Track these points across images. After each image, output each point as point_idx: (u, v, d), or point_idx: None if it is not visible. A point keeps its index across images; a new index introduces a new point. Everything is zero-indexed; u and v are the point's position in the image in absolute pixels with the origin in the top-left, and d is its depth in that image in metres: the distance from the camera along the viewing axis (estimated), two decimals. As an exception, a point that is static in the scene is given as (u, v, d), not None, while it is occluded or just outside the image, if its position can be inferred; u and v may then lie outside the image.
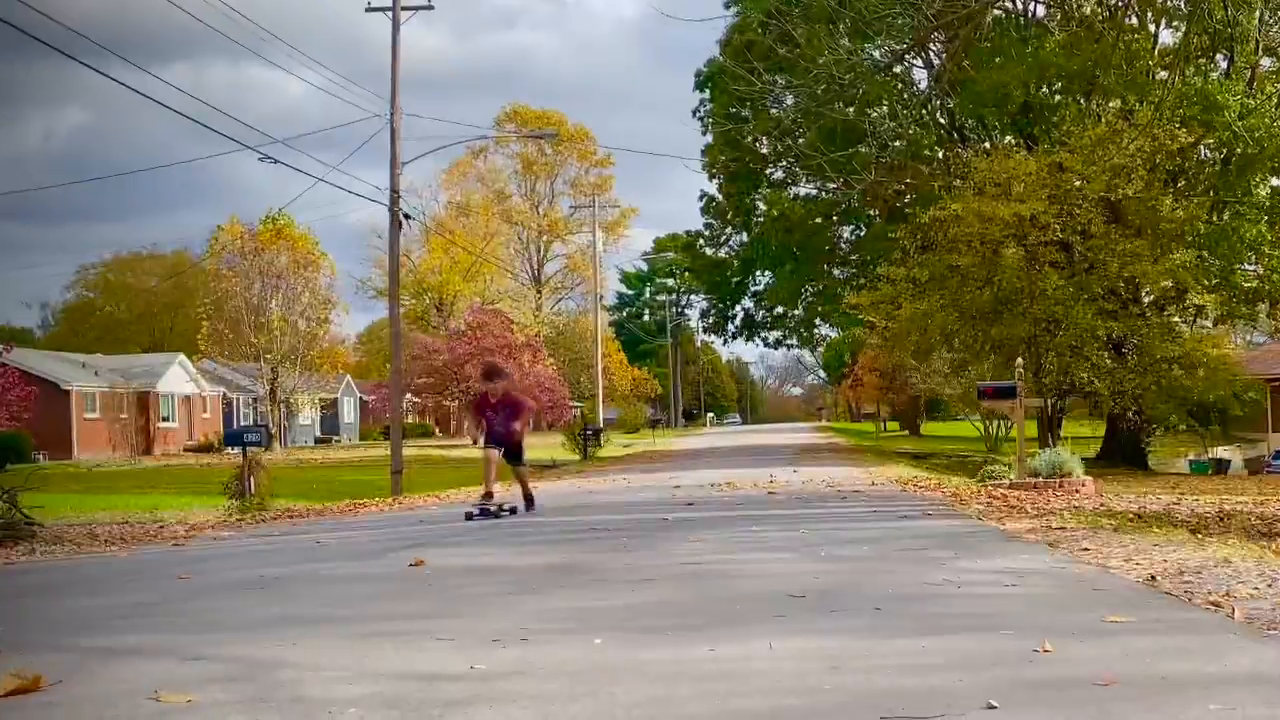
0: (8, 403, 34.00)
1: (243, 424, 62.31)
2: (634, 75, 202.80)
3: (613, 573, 7.96)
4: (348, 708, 4.15)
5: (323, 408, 72.57)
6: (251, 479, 20.31)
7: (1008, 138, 36.23)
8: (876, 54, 18.53)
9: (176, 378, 61.69)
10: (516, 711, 4.01)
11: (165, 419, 60.93)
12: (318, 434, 74.89)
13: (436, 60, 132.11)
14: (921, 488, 17.54)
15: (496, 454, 14.29)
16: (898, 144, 37.44)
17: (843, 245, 46.43)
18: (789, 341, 56.90)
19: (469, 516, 13.62)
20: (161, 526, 15.91)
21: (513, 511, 14.15)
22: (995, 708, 3.77)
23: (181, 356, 62.84)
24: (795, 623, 5.62)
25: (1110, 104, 32.00)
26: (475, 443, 16.50)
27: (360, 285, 77.45)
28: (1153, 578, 6.77)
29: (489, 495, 14.21)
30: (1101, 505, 13.72)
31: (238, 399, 68.38)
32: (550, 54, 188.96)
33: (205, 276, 61.76)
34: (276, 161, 26.38)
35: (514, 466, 14.72)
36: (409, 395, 60.95)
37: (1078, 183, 28.49)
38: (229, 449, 44.78)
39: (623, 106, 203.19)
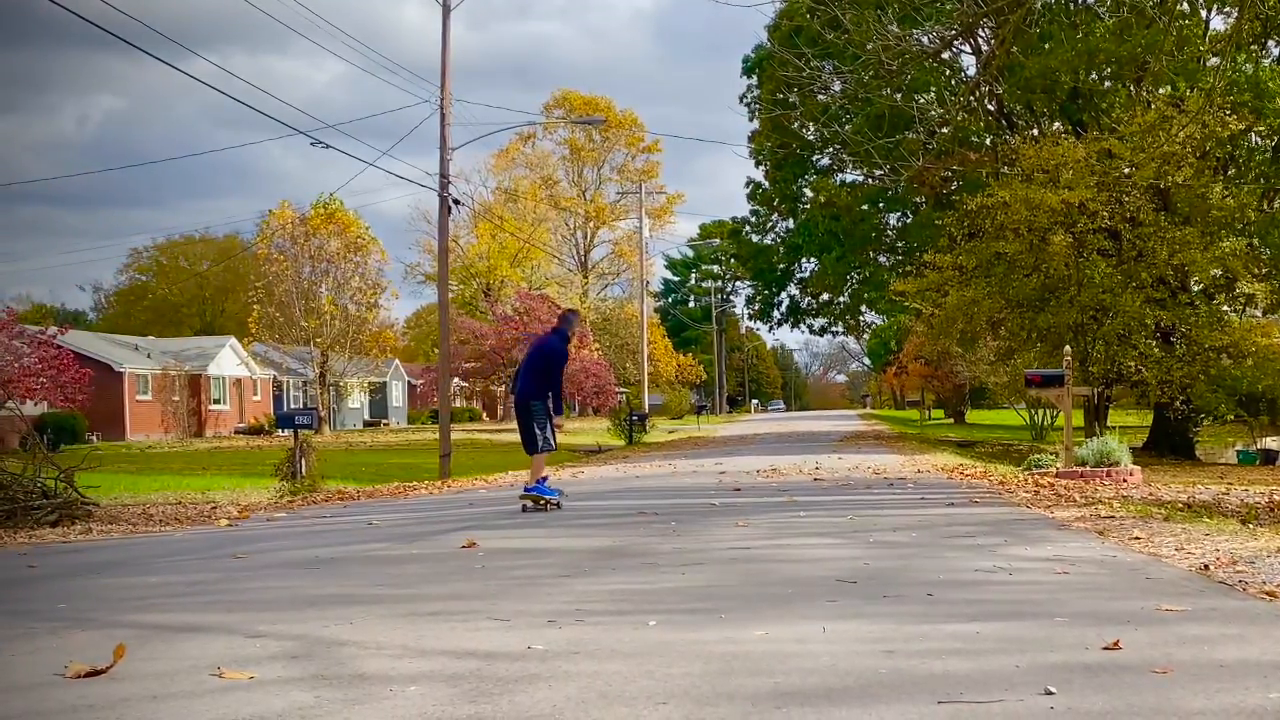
0: (62, 384, 34.39)
1: (293, 407, 62.78)
2: (653, 65, 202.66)
3: (662, 556, 8.00)
4: (408, 685, 4.21)
5: (371, 391, 72.95)
6: (303, 461, 20.49)
7: (1056, 124, 35.89)
8: (925, 40, 18.33)
9: (228, 360, 62.23)
10: (575, 690, 4.06)
11: (216, 401, 61.43)
12: (366, 417, 75.35)
13: (455, 49, 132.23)
14: (968, 475, 17.48)
15: None
16: (945, 130, 37.15)
17: (889, 232, 46.17)
18: (834, 328, 56.54)
19: None
20: (214, 507, 16.12)
21: None
22: (1052, 693, 3.79)
23: (233, 339, 63.41)
24: (847, 607, 5.65)
25: (1160, 90, 31.66)
26: None
27: (409, 270, 78.05)
28: (1205, 567, 6.76)
29: None
30: (1150, 494, 13.65)
31: (288, 382, 68.83)
32: (568, 43, 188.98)
33: (256, 261, 62.15)
34: (329, 146, 26.46)
35: None
36: (456, 379, 61.23)
37: (1126, 170, 28.25)
38: (280, 431, 45.17)
39: (645, 96, 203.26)
